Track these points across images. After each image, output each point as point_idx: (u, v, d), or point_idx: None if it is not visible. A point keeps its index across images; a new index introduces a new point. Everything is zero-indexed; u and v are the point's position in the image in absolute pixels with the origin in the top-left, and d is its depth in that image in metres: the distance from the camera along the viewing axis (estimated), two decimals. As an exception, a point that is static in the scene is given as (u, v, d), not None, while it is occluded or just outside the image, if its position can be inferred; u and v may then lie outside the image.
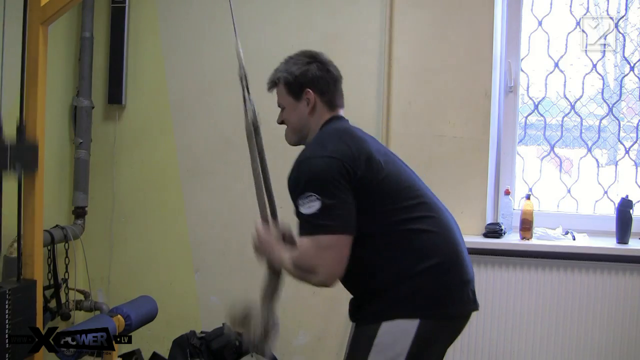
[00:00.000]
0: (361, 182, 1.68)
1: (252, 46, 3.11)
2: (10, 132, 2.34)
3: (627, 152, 3.07)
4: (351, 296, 1.88)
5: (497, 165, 3.09)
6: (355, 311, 1.83)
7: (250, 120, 1.86)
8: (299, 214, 1.68)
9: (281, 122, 1.91)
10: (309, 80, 1.83)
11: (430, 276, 1.70)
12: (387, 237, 1.71)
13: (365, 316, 1.76)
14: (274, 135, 2.00)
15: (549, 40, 3.08)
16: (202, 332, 3.07)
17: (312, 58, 1.87)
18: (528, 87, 3.12)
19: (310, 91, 1.83)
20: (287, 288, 3.13)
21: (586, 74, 3.06)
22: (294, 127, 1.88)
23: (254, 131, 1.87)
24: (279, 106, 1.91)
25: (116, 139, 3.30)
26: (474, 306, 1.80)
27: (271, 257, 1.85)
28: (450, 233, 1.78)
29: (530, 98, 3.13)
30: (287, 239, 1.90)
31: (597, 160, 3.09)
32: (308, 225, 1.66)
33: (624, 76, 3.07)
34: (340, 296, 3.01)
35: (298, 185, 1.68)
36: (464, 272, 1.78)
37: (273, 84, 1.89)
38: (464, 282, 1.77)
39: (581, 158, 3.10)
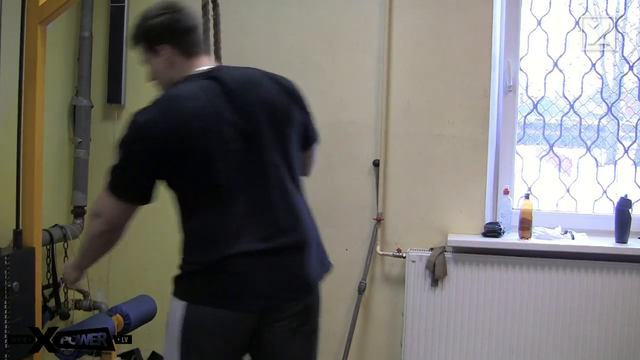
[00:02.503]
0: (168, 157, 1.71)
1: (250, 45, 3.12)
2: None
3: (626, 151, 3.07)
4: None
5: (496, 165, 3.09)
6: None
7: None
8: None
9: (152, 80, 1.91)
10: (160, 35, 1.79)
11: (218, 269, 1.76)
12: (191, 212, 1.88)
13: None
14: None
15: (548, 40, 3.08)
16: (201, 332, 3.07)
17: (165, 10, 1.80)
18: (527, 87, 3.12)
19: (165, 46, 1.79)
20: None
21: (585, 74, 3.07)
22: (162, 83, 1.88)
23: None
24: (144, 63, 1.89)
25: (115, 138, 3.28)
26: (252, 313, 1.72)
27: (79, 265, 1.95)
28: (246, 236, 1.76)
29: (529, 97, 3.13)
30: None
31: (596, 159, 3.09)
32: (107, 174, 1.77)
33: (623, 75, 3.07)
34: (338, 295, 3.04)
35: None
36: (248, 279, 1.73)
37: (134, 42, 1.87)
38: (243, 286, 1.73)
39: (580, 157, 3.10)
